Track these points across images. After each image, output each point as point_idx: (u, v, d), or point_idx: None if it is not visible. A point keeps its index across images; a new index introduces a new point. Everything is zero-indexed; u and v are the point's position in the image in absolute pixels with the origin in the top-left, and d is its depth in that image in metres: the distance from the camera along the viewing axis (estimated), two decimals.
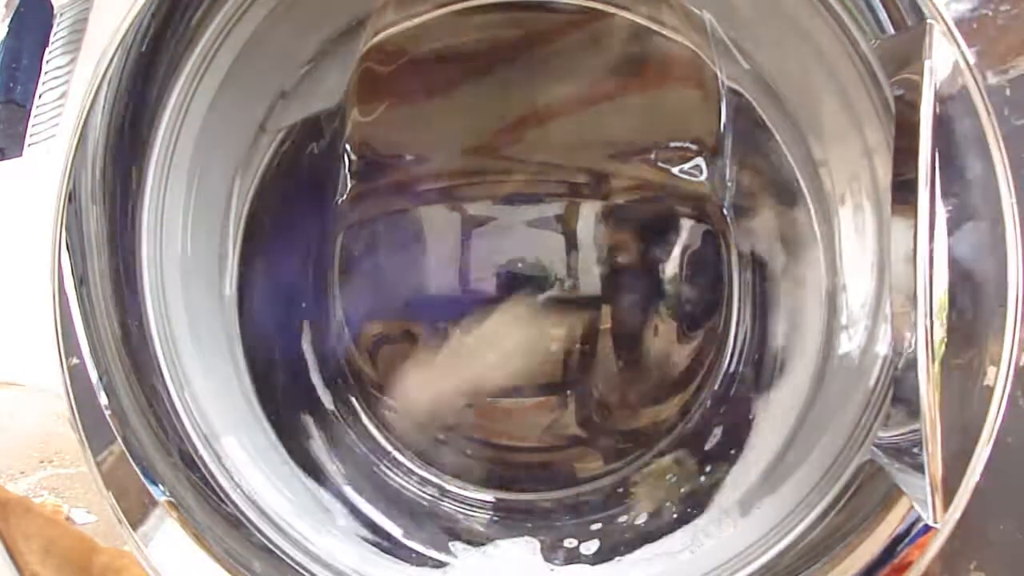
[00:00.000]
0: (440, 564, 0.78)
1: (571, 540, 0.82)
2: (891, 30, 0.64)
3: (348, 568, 0.73)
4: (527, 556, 0.79)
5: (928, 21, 0.57)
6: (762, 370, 0.84)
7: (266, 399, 0.80)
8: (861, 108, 0.70)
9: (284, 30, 0.74)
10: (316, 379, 0.87)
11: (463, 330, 0.88)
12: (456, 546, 0.80)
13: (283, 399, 0.83)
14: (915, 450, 0.58)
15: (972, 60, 0.58)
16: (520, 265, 0.88)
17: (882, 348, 0.71)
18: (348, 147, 0.85)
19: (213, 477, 0.71)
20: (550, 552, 0.79)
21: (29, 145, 0.62)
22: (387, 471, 0.87)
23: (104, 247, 0.68)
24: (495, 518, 0.85)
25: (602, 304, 0.88)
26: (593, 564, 0.78)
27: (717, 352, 0.87)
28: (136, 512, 0.65)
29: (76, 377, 0.64)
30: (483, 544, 0.80)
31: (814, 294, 0.78)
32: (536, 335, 0.88)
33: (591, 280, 0.88)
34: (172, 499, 0.67)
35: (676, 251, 0.88)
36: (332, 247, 0.87)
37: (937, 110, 0.56)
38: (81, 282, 0.66)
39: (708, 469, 0.83)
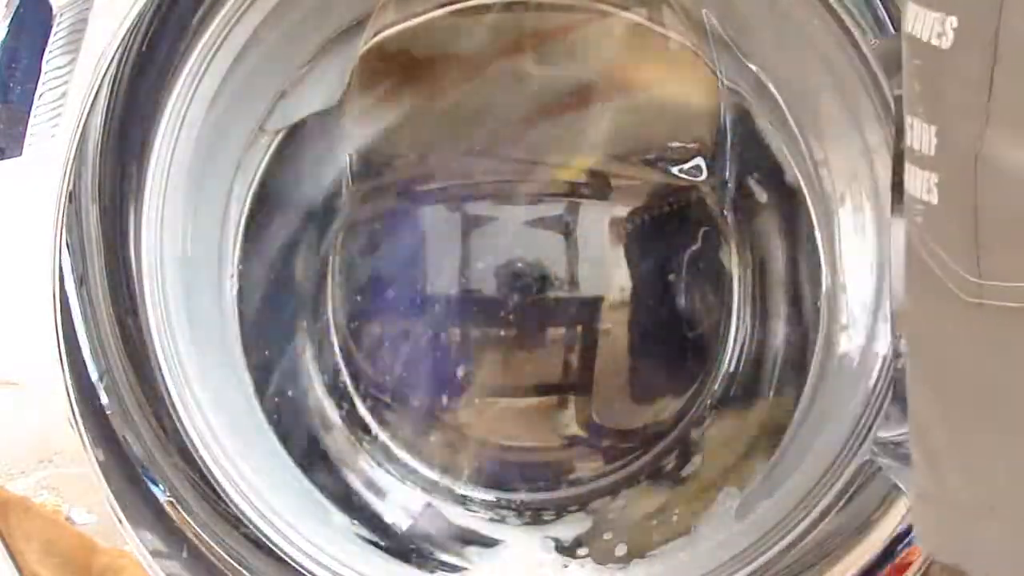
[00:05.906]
0: (451, 567, 0.78)
1: (574, 540, 0.82)
2: (891, 30, 0.64)
3: (348, 568, 0.73)
4: (541, 554, 0.79)
5: None
6: (762, 370, 0.84)
7: (266, 399, 0.80)
8: (861, 108, 0.70)
9: (284, 31, 0.74)
10: (315, 379, 0.87)
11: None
12: (469, 550, 0.80)
13: (282, 399, 0.83)
14: None
15: None
16: (520, 265, 0.88)
17: (882, 348, 0.71)
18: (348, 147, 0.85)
19: (213, 477, 0.71)
20: (561, 551, 0.79)
21: (29, 145, 0.62)
22: (388, 470, 0.87)
23: (104, 247, 0.68)
24: (498, 518, 0.85)
25: (602, 304, 0.88)
26: (600, 563, 0.78)
27: (717, 352, 0.87)
28: (136, 512, 0.65)
29: (76, 377, 0.64)
30: (494, 545, 0.81)
31: (814, 294, 0.78)
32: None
33: (591, 280, 0.88)
34: (172, 499, 0.67)
35: (676, 251, 0.88)
36: (332, 247, 0.87)
37: None
38: (81, 282, 0.66)
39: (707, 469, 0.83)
